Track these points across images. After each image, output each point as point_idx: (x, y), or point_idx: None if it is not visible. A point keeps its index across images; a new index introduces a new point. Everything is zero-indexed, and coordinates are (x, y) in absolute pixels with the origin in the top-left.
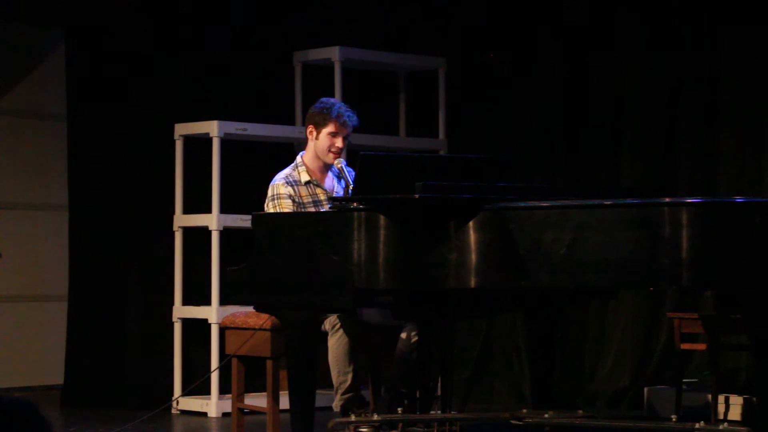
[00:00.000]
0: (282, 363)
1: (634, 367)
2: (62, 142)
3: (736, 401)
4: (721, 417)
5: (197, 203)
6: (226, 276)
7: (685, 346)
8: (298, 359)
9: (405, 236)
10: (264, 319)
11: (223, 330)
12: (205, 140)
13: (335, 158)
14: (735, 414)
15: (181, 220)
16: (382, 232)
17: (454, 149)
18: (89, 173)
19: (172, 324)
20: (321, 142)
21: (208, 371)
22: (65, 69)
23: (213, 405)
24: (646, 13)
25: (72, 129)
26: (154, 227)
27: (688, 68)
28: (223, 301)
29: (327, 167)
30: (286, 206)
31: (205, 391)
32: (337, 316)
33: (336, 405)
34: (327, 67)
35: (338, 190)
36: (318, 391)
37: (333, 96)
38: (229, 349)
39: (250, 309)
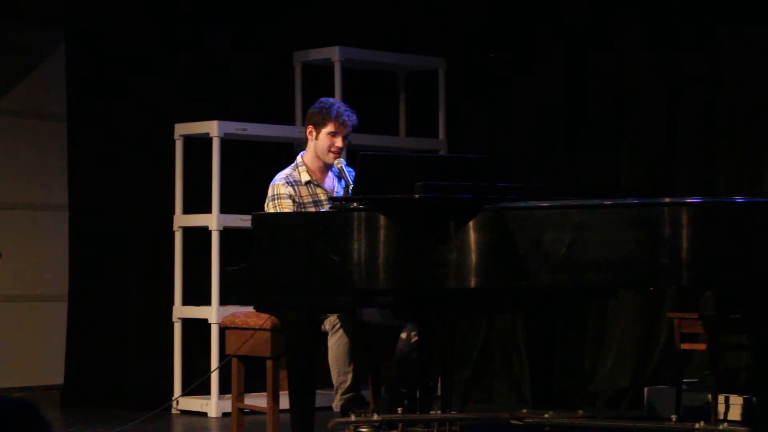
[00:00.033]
0: (282, 363)
1: (634, 367)
2: (62, 142)
3: (736, 401)
4: (721, 417)
5: (197, 203)
6: (226, 276)
7: (685, 346)
8: (298, 359)
9: (405, 236)
10: (264, 319)
11: (223, 330)
12: (205, 140)
13: (335, 158)
14: (735, 414)
15: (181, 220)
16: (382, 232)
17: (454, 149)
18: (89, 173)
19: (172, 324)
20: (321, 142)
21: (208, 371)
22: (65, 69)
23: (213, 405)
24: (646, 13)
25: (72, 129)
26: (154, 227)
27: (688, 68)
28: (223, 301)
29: (327, 167)
30: (287, 206)
31: (205, 391)
32: (337, 316)
33: (336, 405)
34: (327, 67)
35: (338, 190)
36: (318, 391)
37: (333, 96)
38: (229, 349)
39: (250, 309)
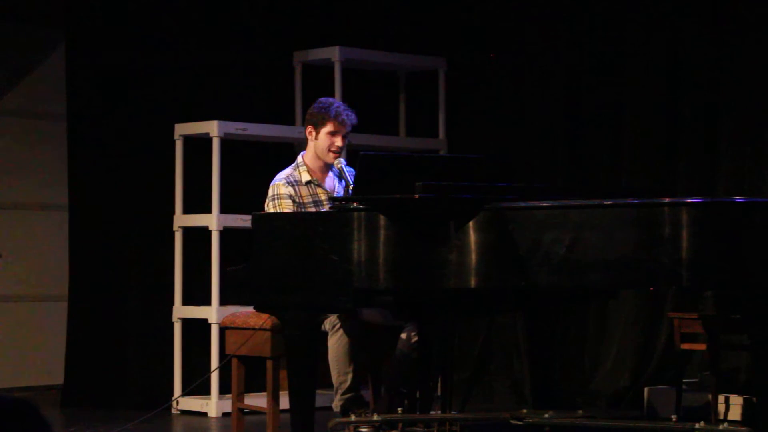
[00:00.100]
0: (282, 363)
1: (634, 367)
2: (62, 142)
3: (736, 401)
4: (721, 417)
5: (197, 203)
6: (226, 276)
7: (685, 346)
8: (298, 359)
9: (405, 236)
10: (264, 319)
11: (223, 330)
12: (205, 140)
13: (335, 158)
14: (735, 414)
15: (181, 220)
16: (382, 232)
17: (454, 149)
18: (89, 173)
19: (172, 324)
20: (320, 141)
21: (208, 371)
22: (65, 69)
23: (213, 405)
24: (647, 12)
25: (72, 129)
26: (154, 227)
27: (688, 68)
28: (223, 301)
29: (327, 167)
30: (286, 206)
31: (205, 391)
32: (337, 316)
33: (336, 405)
34: (327, 67)
35: (339, 190)
36: (318, 391)
37: (333, 96)
38: (229, 349)
39: (250, 309)
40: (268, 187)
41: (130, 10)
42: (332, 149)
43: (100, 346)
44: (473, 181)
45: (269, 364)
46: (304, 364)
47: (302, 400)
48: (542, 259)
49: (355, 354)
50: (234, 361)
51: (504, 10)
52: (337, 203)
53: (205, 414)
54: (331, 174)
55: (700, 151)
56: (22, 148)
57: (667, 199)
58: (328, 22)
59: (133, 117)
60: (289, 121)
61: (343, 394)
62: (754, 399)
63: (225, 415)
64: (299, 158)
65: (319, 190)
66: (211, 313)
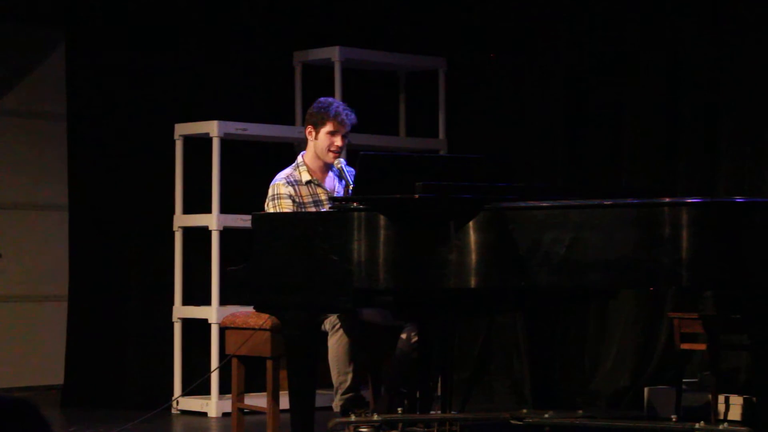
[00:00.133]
0: (282, 363)
1: (634, 367)
2: (62, 142)
3: (736, 401)
4: (721, 417)
5: (197, 203)
6: (226, 276)
7: (685, 346)
8: (298, 359)
9: (405, 236)
10: (264, 319)
11: (223, 330)
12: (205, 140)
13: (335, 157)
14: (735, 414)
15: (181, 220)
16: (382, 232)
17: (454, 149)
18: (89, 173)
19: (172, 324)
20: (320, 141)
21: (208, 371)
22: (65, 69)
23: (213, 405)
24: (647, 12)
25: (72, 129)
26: (154, 227)
27: (688, 68)
28: (223, 301)
29: (328, 167)
30: (286, 206)
31: (205, 391)
32: (337, 316)
33: (336, 405)
34: (327, 67)
35: (339, 190)
36: (318, 391)
37: (333, 96)
38: (229, 349)
39: (250, 309)
40: (268, 187)
41: (130, 10)
42: (332, 149)
43: (100, 346)
44: (473, 181)
45: (269, 364)
46: (304, 364)
47: (302, 400)
48: (542, 259)
49: (355, 354)
50: (234, 361)
51: (504, 10)
52: (337, 203)
53: (205, 414)
54: (331, 174)
55: (700, 151)
56: (22, 148)
57: (667, 199)
58: (328, 22)
59: (133, 117)
60: (289, 121)
61: (343, 394)
62: (754, 399)
63: (225, 415)
64: (299, 158)
65: (319, 190)
66: (211, 313)
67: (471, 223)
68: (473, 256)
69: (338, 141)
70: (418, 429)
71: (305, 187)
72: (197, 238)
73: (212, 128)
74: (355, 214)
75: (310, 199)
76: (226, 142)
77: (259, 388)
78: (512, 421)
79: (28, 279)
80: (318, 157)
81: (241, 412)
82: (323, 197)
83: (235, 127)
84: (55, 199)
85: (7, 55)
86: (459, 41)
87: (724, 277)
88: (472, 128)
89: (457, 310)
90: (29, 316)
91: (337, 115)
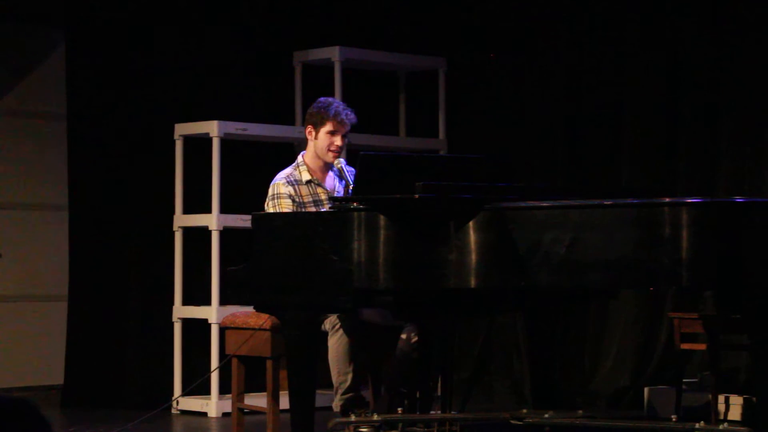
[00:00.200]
0: (282, 363)
1: (634, 367)
2: (62, 142)
3: (736, 401)
4: (721, 417)
5: (197, 203)
6: (226, 276)
7: (685, 346)
8: (298, 359)
9: (405, 236)
10: (264, 319)
11: (223, 330)
12: (205, 140)
13: (335, 157)
14: (735, 414)
15: (181, 220)
16: (382, 232)
17: (454, 149)
18: (89, 173)
19: (172, 324)
20: (320, 141)
21: (208, 371)
22: (65, 69)
23: (213, 405)
24: (647, 12)
25: (72, 129)
26: (154, 227)
27: (688, 68)
28: (223, 301)
29: (328, 167)
30: (286, 206)
31: (205, 391)
32: (337, 316)
33: (336, 405)
34: (327, 67)
35: (339, 190)
36: (318, 391)
37: (333, 96)
38: (229, 349)
39: (250, 309)
40: (268, 187)
41: (130, 10)
42: (332, 149)
43: (100, 346)
44: (473, 181)
45: (269, 364)
46: (304, 364)
47: (302, 400)
48: (542, 259)
49: (355, 354)
50: (234, 361)
51: (504, 10)
52: (337, 203)
53: (205, 414)
54: (331, 173)
55: (700, 151)
56: (22, 148)
57: (667, 199)
58: (328, 22)
59: (133, 117)
60: (289, 121)
61: (343, 394)
62: (754, 399)
63: (225, 415)
64: (299, 158)
65: (319, 190)
66: (211, 313)
67: (471, 223)
68: (473, 256)
69: (338, 141)
70: (418, 429)
71: (305, 186)
72: (197, 238)
73: (212, 128)
74: (355, 214)
75: (310, 199)
76: (226, 142)
77: (259, 388)
78: (512, 421)
79: (28, 279)
80: (318, 156)
81: (241, 412)
82: (323, 197)
83: (235, 127)
84: (55, 199)
85: (7, 55)
86: (459, 41)
87: (724, 277)
88: (472, 128)
89: (457, 310)
90: (29, 316)
91: (336, 115)
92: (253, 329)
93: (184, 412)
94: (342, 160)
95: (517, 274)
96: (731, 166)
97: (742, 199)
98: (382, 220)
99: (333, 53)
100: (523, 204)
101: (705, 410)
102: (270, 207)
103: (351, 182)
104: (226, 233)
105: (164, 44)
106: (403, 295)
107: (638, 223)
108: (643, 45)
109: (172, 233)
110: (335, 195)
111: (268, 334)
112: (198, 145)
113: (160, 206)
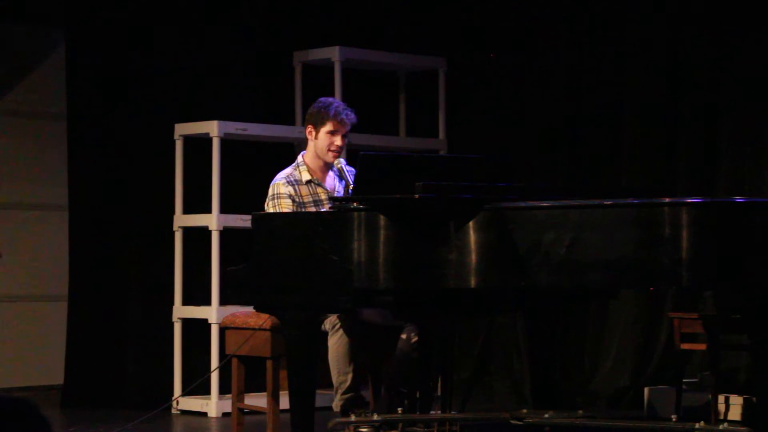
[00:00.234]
0: (282, 363)
1: (634, 367)
2: (62, 142)
3: (736, 401)
4: (721, 417)
5: (197, 203)
6: (226, 276)
7: (685, 346)
8: (298, 359)
9: (405, 236)
10: (264, 319)
11: (223, 330)
12: (205, 140)
13: (335, 157)
14: (735, 414)
15: (181, 220)
16: (382, 232)
17: (454, 149)
18: (89, 173)
19: (172, 324)
20: (320, 141)
21: (208, 371)
22: (65, 69)
23: (213, 405)
24: (647, 12)
25: (72, 129)
26: (154, 227)
27: (688, 68)
28: (223, 301)
29: (328, 166)
30: (286, 206)
31: (205, 391)
32: (337, 316)
33: (336, 405)
34: (327, 67)
35: (339, 190)
36: (318, 391)
37: (333, 96)
38: (229, 349)
39: (250, 309)
40: (268, 187)
41: (130, 10)
42: (332, 149)
43: (100, 346)
44: (473, 181)
45: (269, 364)
46: (304, 364)
47: (302, 400)
48: (542, 259)
49: (355, 354)
50: (234, 361)
51: (504, 10)
52: (337, 203)
53: (205, 414)
54: (331, 173)
55: (700, 151)
56: (22, 148)
57: (667, 199)
58: (328, 22)
59: (133, 117)
60: (289, 121)
61: (343, 394)
62: (754, 399)
63: (225, 415)
64: (299, 158)
65: (319, 190)
66: (211, 313)
67: (471, 223)
68: (473, 256)
69: (338, 141)
70: (418, 429)
71: (305, 186)
72: (197, 238)
73: (212, 128)
74: (355, 214)
75: (310, 199)
76: (226, 142)
77: (259, 388)
78: (512, 421)
79: (28, 279)
80: (318, 156)
81: (241, 412)
82: (323, 197)
83: (235, 127)
84: (55, 199)
85: (7, 55)
86: (459, 41)
87: (724, 277)
88: (472, 128)
89: (457, 310)
90: (29, 316)
91: (337, 115)
92: (253, 329)
93: (184, 412)
94: (342, 160)
95: (517, 274)
96: (731, 166)
97: (742, 199)
98: (382, 220)
99: (333, 53)
100: (523, 204)
101: (705, 410)
102: (270, 207)
103: (351, 182)
104: (226, 233)
105: (164, 44)
106: (403, 295)
107: (638, 223)
108: (643, 45)
109: (172, 233)
110: (335, 195)
111: (268, 334)
112: (198, 145)
113: (160, 206)
